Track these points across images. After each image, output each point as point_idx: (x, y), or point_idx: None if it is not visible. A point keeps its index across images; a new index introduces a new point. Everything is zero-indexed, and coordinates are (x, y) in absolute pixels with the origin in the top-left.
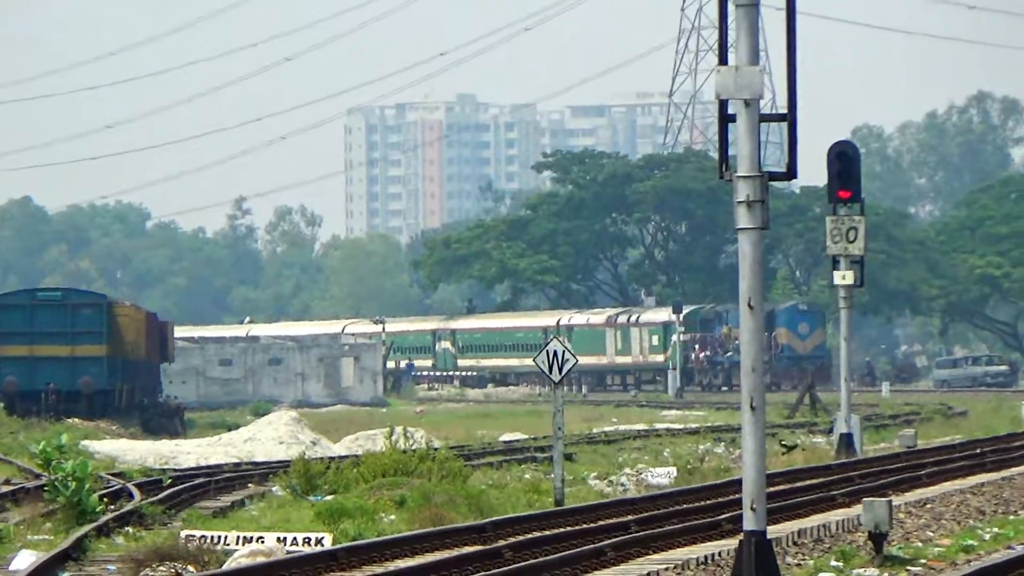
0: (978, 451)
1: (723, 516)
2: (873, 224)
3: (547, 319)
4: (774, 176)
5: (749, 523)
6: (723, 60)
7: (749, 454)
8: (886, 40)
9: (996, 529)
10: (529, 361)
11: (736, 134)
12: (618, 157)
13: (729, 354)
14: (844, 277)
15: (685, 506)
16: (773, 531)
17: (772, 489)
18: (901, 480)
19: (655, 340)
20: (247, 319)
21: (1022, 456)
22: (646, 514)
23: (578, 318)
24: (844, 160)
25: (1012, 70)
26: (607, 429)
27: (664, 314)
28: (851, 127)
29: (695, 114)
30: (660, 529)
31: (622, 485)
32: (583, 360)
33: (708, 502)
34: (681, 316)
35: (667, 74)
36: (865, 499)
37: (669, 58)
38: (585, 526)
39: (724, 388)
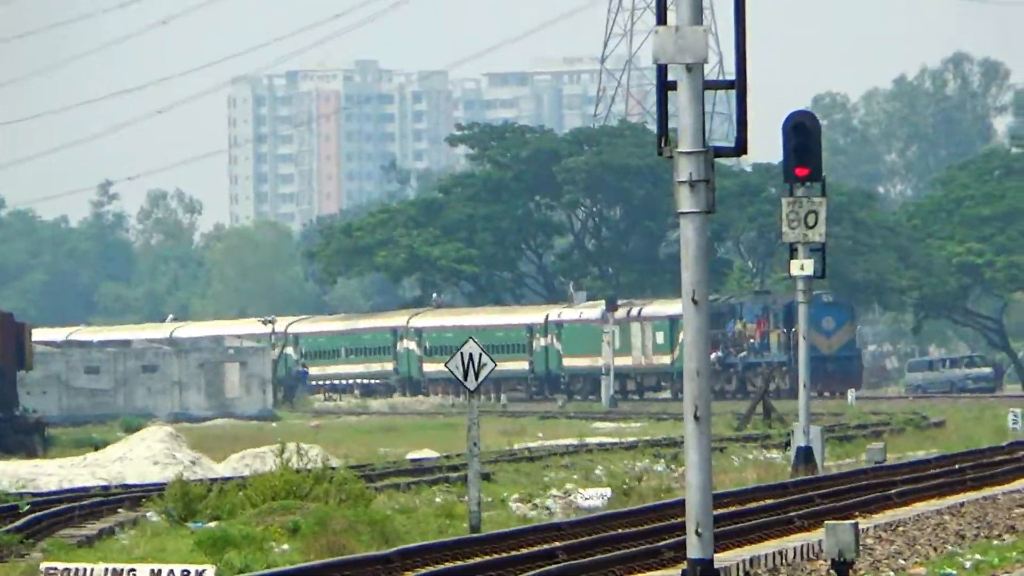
0: (957, 467)
1: (664, 543)
2: (836, 206)
3: (533, 315)
4: (721, 152)
5: (694, 550)
6: (662, 19)
7: (693, 471)
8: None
9: (978, 556)
10: (512, 365)
11: (677, 104)
12: (543, 131)
13: (744, 355)
14: (802, 267)
15: (620, 531)
16: (721, 559)
17: (720, 511)
18: (869, 500)
19: (660, 337)
20: (170, 316)
21: (1007, 472)
22: (576, 541)
23: (569, 313)
24: (802, 133)
25: (994, 27)
26: (531, 445)
27: (672, 306)
28: (812, 96)
29: (630, 82)
30: (592, 558)
31: (548, 508)
32: (575, 362)
33: (647, 527)
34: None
35: (598, 36)
36: (827, 522)
37: (601, 18)
38: (505, 555)
39: (739, 396)
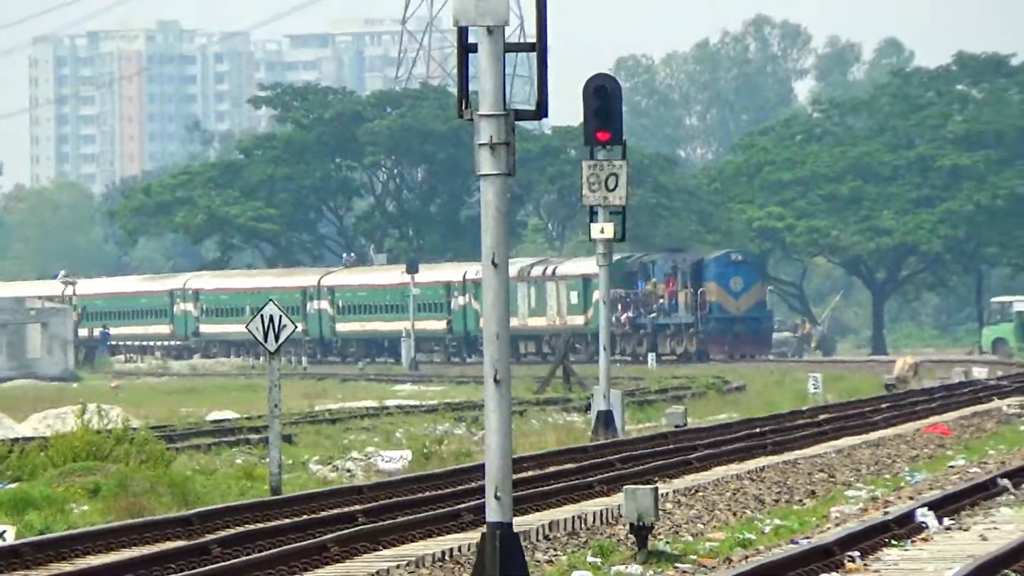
0: (757, 431)
1: (464, 506)
2: (637, 169)
3: (450, 273)
4: (521, 115)
5: (493, 514)
6: None
7: (493, 434)
8: None
9: (778, 520)
10: (432, 325)
11: (478, 66)
12: (345, 93)
13: (653, 315)
14: (603, 230)
15: (420, 495)
16: (520, 523)
17: (520, 475)
18: (668, 465)
19: (574, 297)
20: (61, 273)
21: (807, 437)
22: (376, 504)
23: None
24: (602, 96)
25: None
26: (331, 407)
27: (589, 264)
28: (616, 59)
29: (432, 44)
30: (392, 521)
31: (348, 471)
32: None
33: (447, 490)
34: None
35: None
36: (626, 487)
37: None
38: (305, 517)
39: (642, 360)
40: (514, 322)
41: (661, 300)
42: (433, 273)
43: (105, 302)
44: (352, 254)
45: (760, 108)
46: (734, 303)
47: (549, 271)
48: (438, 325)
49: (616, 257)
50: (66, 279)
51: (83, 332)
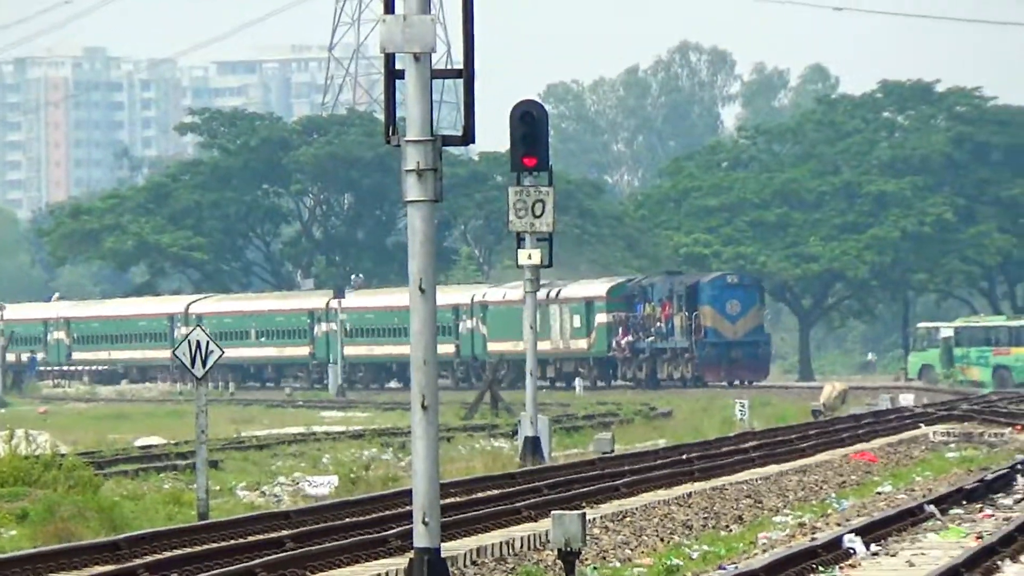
0: (684, 457)
1: (391, 531)
2: (563, 195)
3: (459, 296)
4: (448, 140)
5: (421, 539)
6: (389, 8)
7: (420, 460)
8: None
9: (705, 546)
10: (441, 348)
11: (405, 93)
12: (272, 119)
13: (651, 340)
14: (530, 256)
15: (348, 520)
16: (448, 548)
17: (447, 501)
18: (596, 490)
19: (576, 321)
20: (55, 295)
21: (734, 463)
22: (303, 529)
23: (493, 294)
24: (529, 122)
25: (722, 17)
26: (259, 433)
27: (592, 287)
28: (547, 84)
29: (359, 70)
30: (319, 546)
31: (276, 496)
32: (500, 347)
33: (374, 515)
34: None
35: (327, 25)
36: (554, 512)
37: (328, 6)
38: (233, 542)
39: (645, 386)
40: (520, 347)
41: (659, 324)
42: (442, 296)
43: (101, 325)
44: (360, 276)
45: (688, 135)
46: (731, 327)
47: (553, 293)
48: (445, 348)
49: (618, 280)
50: None
51: (11, 357)
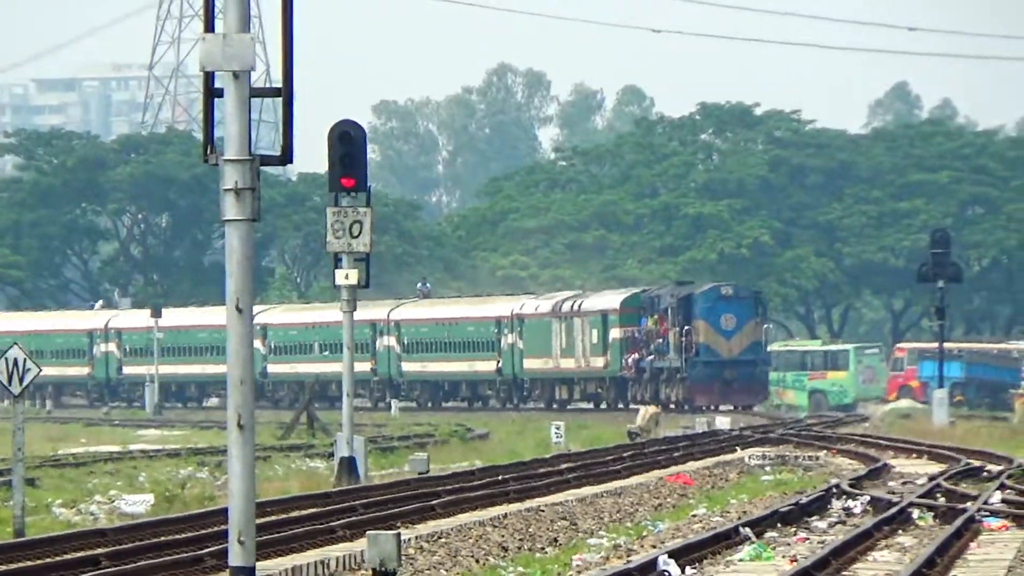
0: (500, 478)
1: (207, 550)
2: (382, 216)
3: (500, 307)
4: (267, 160)
5: (236, 558)
6: (209, 27)
7: (236, 479)
8: (422, 4)
9: (521, 568)
10: (477, 366)
11: (224, 111)
12: (91, 138)
13: (651, 357)
14: (347, 277)
15: (165, 538)
16: (264, 567)
17: (263, 520)
18: (411, 511)
19: (595, 337)
20: (98, 303)
21: (550, 485)
22: (120, 547)
23: (529, 306)
24: (347, 143)
25: (535, 39)
26: (75, 451)
27: (607, 299)
28: (371, 105)
29: (178, 89)
30: (135, 564)
31: (92, 514)
32: (533, 364)
33: (191, 534)
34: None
35: (147, 43)
36: (369, 532)
37: (149, 25)
38: (49, 560)
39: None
40: (548, 364)
41: (659, 340)
42: (484, 307)
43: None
44: (427, 283)
45: (510, 156)
46: (725, 344)
47: (576, 306)
48: (487, 367)
49: (632, 291)
50: None
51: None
